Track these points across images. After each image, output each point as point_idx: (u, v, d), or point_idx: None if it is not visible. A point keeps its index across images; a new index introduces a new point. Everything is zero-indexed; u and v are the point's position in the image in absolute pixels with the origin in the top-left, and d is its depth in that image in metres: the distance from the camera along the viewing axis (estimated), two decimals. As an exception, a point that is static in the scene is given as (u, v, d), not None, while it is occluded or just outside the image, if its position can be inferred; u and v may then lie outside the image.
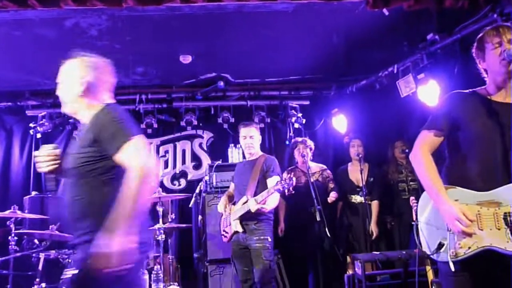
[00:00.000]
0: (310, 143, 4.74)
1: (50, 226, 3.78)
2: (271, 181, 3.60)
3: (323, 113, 5.78)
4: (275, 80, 5.57)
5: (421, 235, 1.97)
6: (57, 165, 1.96)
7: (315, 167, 4.68)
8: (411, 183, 4.59)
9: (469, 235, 1.76)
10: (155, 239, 3.87)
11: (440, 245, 1.84)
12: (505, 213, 1.73)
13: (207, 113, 5.74)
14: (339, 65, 5.00)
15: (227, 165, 4.93)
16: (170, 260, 4.04)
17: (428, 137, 2.00)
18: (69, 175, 1.87)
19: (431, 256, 1.90)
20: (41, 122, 5.32)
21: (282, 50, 4.57)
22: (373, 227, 4.47)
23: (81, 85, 1.90)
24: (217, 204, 4.07)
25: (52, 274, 3.63)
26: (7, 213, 3.87)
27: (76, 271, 1.77)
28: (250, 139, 3.80)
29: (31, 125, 5.37)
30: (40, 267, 3.64)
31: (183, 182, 5.66)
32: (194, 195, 4.71)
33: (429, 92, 4.14)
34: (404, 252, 3.70)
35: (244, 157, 4.26)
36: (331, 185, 4.58)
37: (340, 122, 5.39)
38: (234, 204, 3.79)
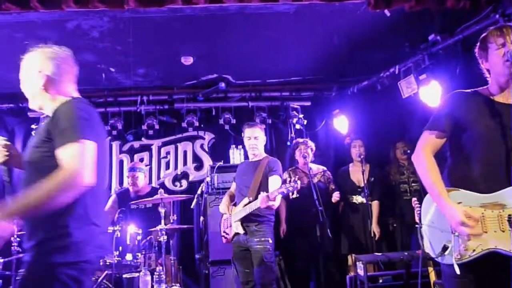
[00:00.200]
0: (311, 144, 4.75)
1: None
2: (272, 180, 3.58)
3: (324, 114, 5.78)
4: (276, 81, 5.58)
5: (425, 238, 1.96)
6: (7, 157, 1.94)
7: (315, 168, 4.68)
8: (413, 184, 4.58)
9: (477, 236, 1.75)
10: (156, 240, 3.88)
11: (445, 248, 1.83)
12: (509, 215, 1.72)
13: (209, 114, 5.73)
14: (341, 66, 5.00)
15: (229, 166, 4.94)
16: (172, 261, 4.03)
17: (430, 138, 1.98)
18: (25, 168, 1.82)
19: (436, 259, 1.89)
20: (42, 123, 5.32)
21: (283, 51, 4.57)
22: (374, 228, 4.47)
23: (41, 77, 1.83)
24: (219, 205, 4.06)
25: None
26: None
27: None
28: (255, 139, 3.76)
29: (33, 126, 5.34)
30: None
31: (184, 183, 5.66)
32: (196, 196, 4.72)
33: (430, 93, 4.13)
34: (406, 253, 3.69)
35: (245, 157, 4.25)
36: (332, 186, 4.62)
37: (341, 123, 5.38)
38: (234, 205, 3.77)
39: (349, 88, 5.51)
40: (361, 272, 3.62)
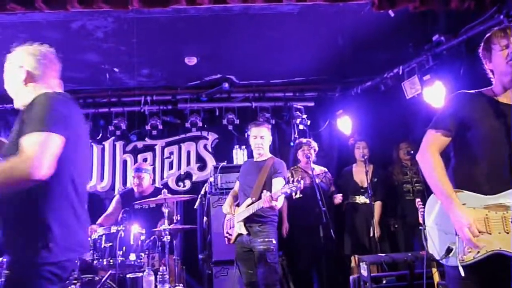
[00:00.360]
0: (314, 144, 4.75)
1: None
2: (276, 182, 3.57)
3: (327, 114, 5.77)
4: (279, 82, 5.58)
5: (429, 239, 1.95)
6: None
7: (318, 169, 4.68)
8: (416, 184, 4.58)
9: (476, 246, 1.74)
10: (160, 240, 3.89)
11: (449, 250, 1.83)
12: (513, 216, 1.72)
13: (212, 114, 5.74)
14: (344, 66, 5.00)
15: (232, 166, 4.94)
16: (175, 262, 4.04)
17: (436, 137, 1.96)
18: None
19: (440, 260, 1.88)
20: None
21: (287, 52, 4.58)
22: (375, 228, 4.46)
23: (23, 72, 1.82)
24: (222, 205, 4.06)
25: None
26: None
27: None
28: (261, 139, 3.75)
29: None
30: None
31: (188, 183, 5.67)
32: (199, 196, 4.72)
33: (434, 93, 4.12)
34: (410, 254, 3.67)
35: (249, 156, 4.24)
36: (333, 188, 4.66)
37: (344, 124, 5.38)
38: (237, 205, 3.77)
39: (352, 88, 5.50)
40: (364, 272, 3.60)
